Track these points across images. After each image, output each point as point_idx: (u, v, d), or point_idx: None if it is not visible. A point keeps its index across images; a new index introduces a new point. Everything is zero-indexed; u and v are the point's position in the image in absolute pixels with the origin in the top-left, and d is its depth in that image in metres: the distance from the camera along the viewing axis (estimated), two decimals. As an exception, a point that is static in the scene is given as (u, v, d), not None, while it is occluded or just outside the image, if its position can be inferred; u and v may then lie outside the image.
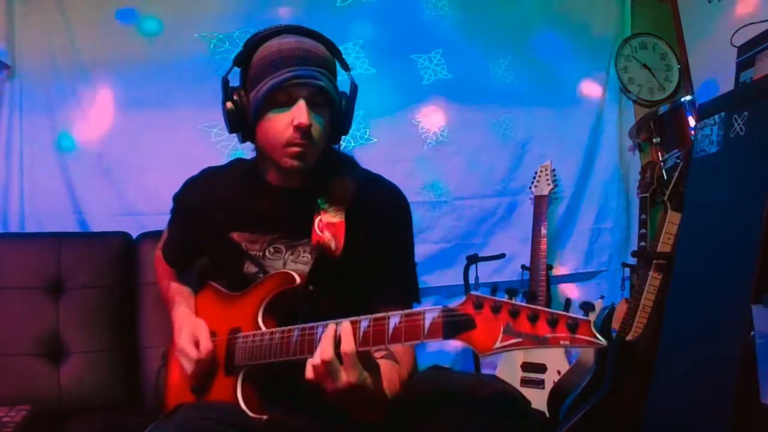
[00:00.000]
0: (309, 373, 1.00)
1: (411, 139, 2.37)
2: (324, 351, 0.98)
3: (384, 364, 1.11)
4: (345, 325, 0.99)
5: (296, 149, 1.17)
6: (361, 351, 0.99)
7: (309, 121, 1.14)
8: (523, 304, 0.86)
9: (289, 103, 1.15)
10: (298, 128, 1.14)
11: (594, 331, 0.81)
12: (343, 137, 1.29)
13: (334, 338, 0.99)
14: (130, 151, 2.16)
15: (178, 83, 2.20)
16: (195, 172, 1.40)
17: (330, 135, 1.24)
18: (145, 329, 1.83)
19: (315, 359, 0.99)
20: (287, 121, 1.15)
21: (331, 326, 1.00)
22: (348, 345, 0.97)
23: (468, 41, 2.42)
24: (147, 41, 2.20)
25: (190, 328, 1.24)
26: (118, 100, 2.18)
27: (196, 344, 1.21)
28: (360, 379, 0.99)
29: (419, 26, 2.39)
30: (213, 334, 1.25)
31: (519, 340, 0.85)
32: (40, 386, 1.68)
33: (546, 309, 0.84)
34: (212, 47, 2.23)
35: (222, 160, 1.42)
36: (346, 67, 1.25)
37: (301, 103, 1.14)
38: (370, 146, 2.31)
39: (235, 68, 1.23)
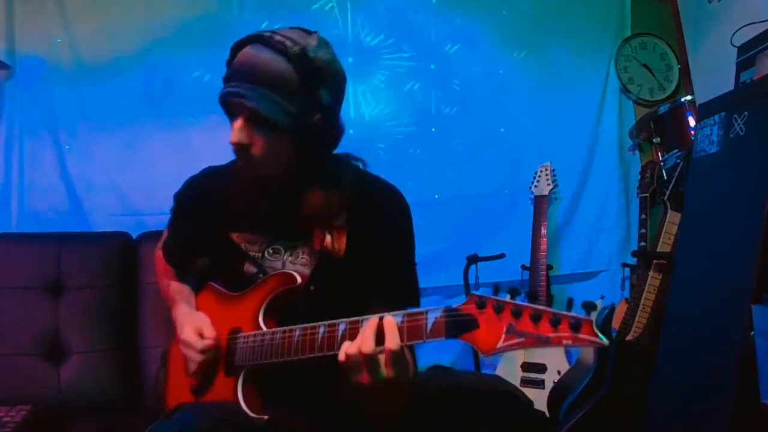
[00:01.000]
0: (342, 357, 0.99)
1: (411, 139, 2.38)
2: (365, 343, 0.96)
3: None
4: (389, 320, 0.97)
5: (240, 162, 1.19)
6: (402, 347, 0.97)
7: (238, 139, 1.14)
8: (526, 304, 0.87)
9: (233, 118, 1.16)
10: (231, 144, 1.15)
11: (596, 331, 0.81)
12: (326, 154, 1.26)
13: (376, 331, 0.97)
14: (130, 151, 2.16)
15: (179, 82, 2.20)
16: (195, 171, 1.40)
17: (302, 153, 1.19)
18: (145, 329, 1.83)
19: (352, 348, 0.97)
20: None
21: (374, 319, 0.99)
22: (394, 341, 0.96)
23: (468, 42, 2.42)
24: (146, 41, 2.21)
25: (193, 322, 1.25)
26: (118, 99, 2.18)
27: (201, 336, 1.21)
28: (398, 375, 0.98)
29: (417, 25, 2.39)
30: (213, 333, 1.25)
31: (522, 339, 0.85)
32: (40, 386, 1.68)
33: (548, 309, 0.85)
34: (213, 47, 2.23)
35: (222, 160, 1.42)
36: (317, 100, 1.14)
37: (237, 123, 1.14)
38: (370, 147, 2.31)
39: None
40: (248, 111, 1.12)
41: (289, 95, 1.12)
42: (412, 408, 1.07)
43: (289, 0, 2.30)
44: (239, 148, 1.15)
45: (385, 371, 0.97)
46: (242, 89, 1.11)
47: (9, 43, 2.11)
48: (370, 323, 0.98)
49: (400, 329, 0.96)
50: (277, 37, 1.13)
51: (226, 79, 1.16)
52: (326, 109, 1.17)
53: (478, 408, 1.03)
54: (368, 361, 0.96)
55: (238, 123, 1.13)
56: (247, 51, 1.15)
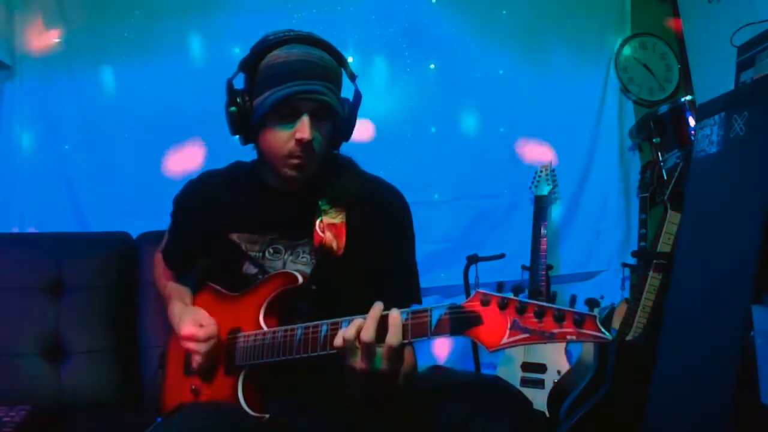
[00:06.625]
0: (339, 341, 0.99)
1: (411, 139, 2.38)
2: (366, 331, 0.96)
3: None
4: (395, 315, 0.97)
5: (296, 161, 1.18)
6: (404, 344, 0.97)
7: (311, 136, 1.15)
8: (530, 300, 0.87)
9: (293, 116, 1.16)
10: (299, 142, 1.15)
11: (599, 326, 0.83)
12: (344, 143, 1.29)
13: (378, 321, 0.97)
14: (130, 150, 2.16)
15: (180, 82, 2.20)
16: (195, 172, 1.40)
17: (332, 142, 1.25)
18: (145, 329, 1.82)
19: (349, 333, 0.97)
20: (290, 134, 1.16)
21: (378, 308, 0.98)
22: (395, 338, 0.96)
23: (467, 41, 2.42)
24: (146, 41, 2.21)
25: (190, 316, 1.24)
26: (118, 99, 2.18)
27: (200, 327, 1.21)
28: (392, 370, 0.98)
29: (417, 25, 2.39)
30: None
31: (526, 335, 0.86)
32: (40, 386, 1.67)
33: (552, 305, 0.86)
34: (213, 47, 2.23)
35: (222, 162, 1.42)
36: (352, 77, 1.25)
37: (305, 119, 1.15)
38: (370, 147, 2.31)
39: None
40: (316, 107, 1.15)
41: (338, 88, 1.20)
42: (410, 406, 1.08)
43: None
44: (306, 144, 1.15)
45: (381, 363, 0.97)
46: (315, 86, 1.13)
47: (9, 43, 2.11)
48: (373, 312, 0.98)
49: (404, 326, 0.97)
50: (310, 35, 1.18)
51: (270, 80, 1.14)
52: (353, 102, 1.24)
53: (479, 406, 1.03)
54: (366, 349, 0.96)
55: (307, 120, 1.15)
56: (295, 51, 1.15)
